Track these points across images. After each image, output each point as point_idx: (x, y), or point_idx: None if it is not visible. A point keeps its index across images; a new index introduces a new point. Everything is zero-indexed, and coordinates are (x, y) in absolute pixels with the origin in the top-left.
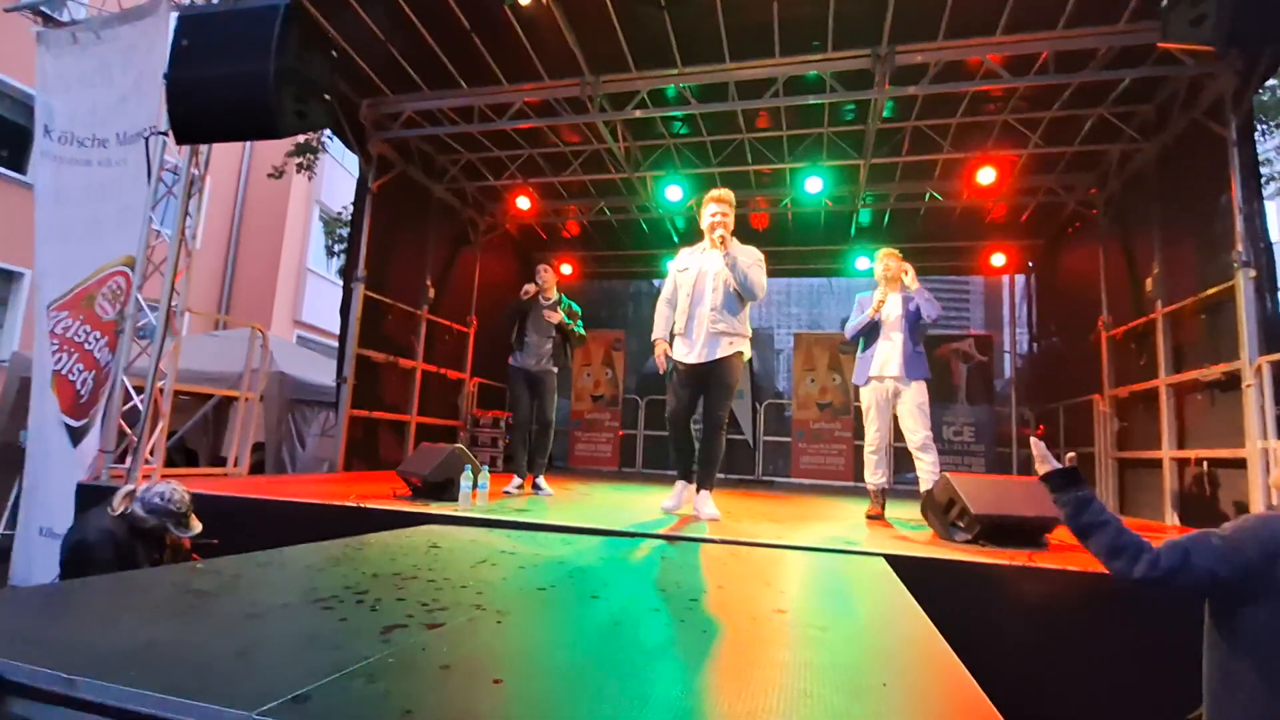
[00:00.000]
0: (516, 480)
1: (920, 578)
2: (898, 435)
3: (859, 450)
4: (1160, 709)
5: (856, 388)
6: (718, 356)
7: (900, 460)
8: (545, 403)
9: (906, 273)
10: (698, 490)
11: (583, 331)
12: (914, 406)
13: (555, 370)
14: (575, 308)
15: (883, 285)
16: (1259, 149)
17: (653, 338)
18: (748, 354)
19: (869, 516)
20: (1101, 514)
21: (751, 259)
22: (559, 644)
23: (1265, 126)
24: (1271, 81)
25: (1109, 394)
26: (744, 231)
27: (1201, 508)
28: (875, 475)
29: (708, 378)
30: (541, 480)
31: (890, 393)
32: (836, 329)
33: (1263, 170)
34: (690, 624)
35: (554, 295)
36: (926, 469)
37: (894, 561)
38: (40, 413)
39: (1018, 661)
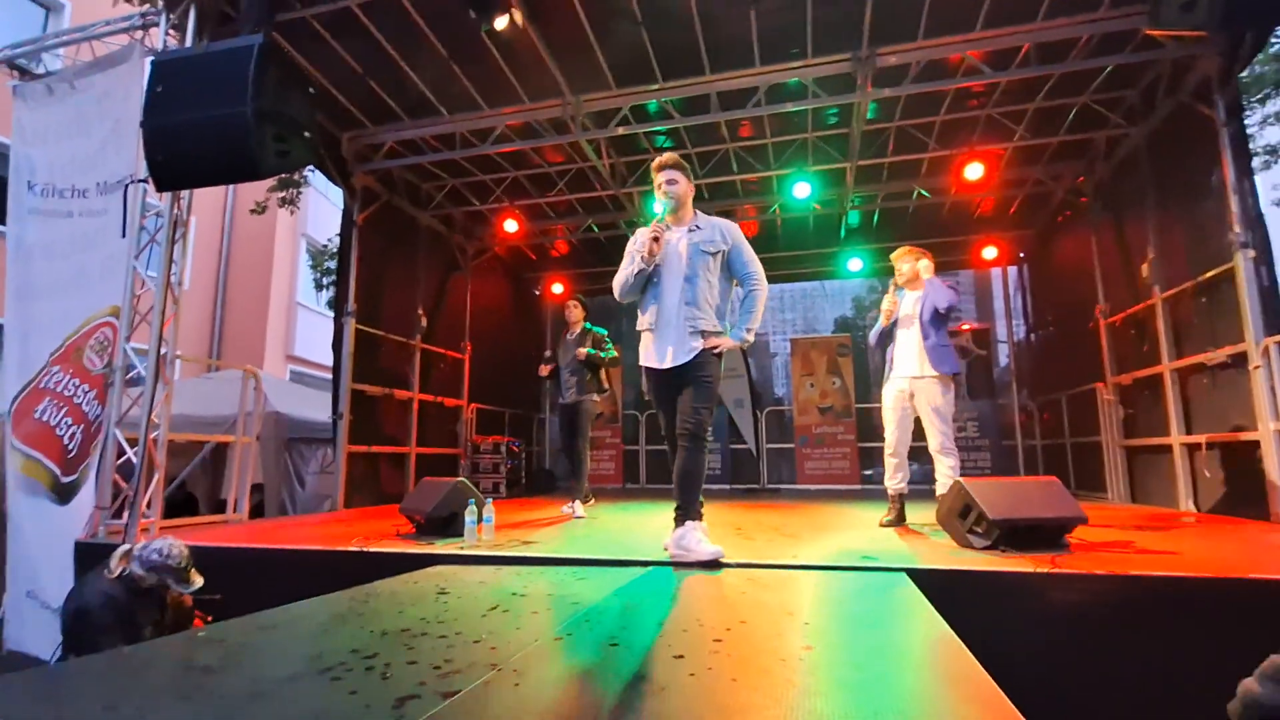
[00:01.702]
0: (571, 504)
1: (944, 591)
2: (917, 435)
3: (863, 452)
4: (1203, 710)
5: (856, 391)
6: (691, 359)
7: (911, 458)
8: (574, 432)
9: (916, 274)
10: (676, 526)
11: (613, 354)
12: (930, 409)
13: (589, 399)
14: (600, 331)
15: (893, 288)
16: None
17: (637, 269)
18: (726, 348)
19: (882, 524)
20: None
21: (730, 238)
22: (582, 709)
23: (1247, 102)
24: None
25: (1112, 381)
26: None
27: (1216, 493)
28: (893, 479)
29: (675, 380)
30: (576, 504)
31: (907, 394)
32: (832, 332)
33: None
34: (718, 672)
35: (579, 328)
36: (945, 472)
37: (916, 575)
38: (15, 475)
39: (1049, 673)
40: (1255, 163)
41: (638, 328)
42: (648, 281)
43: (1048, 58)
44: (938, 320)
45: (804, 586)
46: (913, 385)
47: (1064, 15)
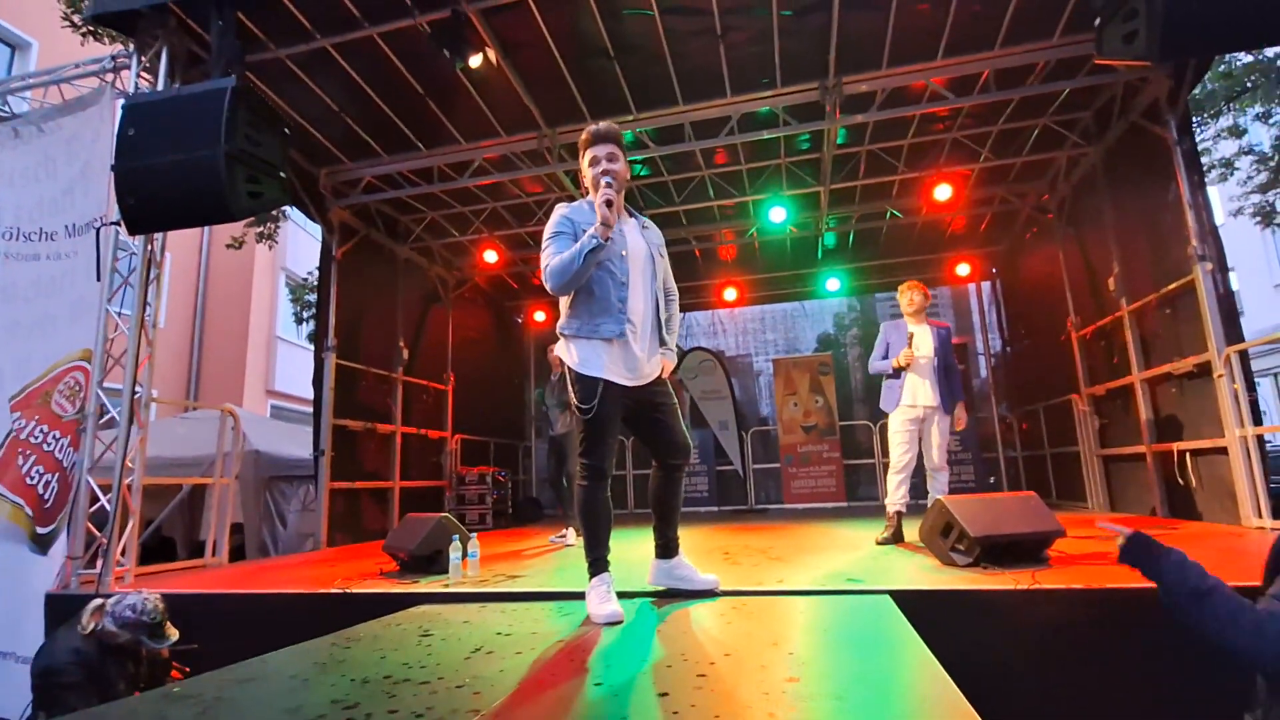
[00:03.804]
0: (563, 531)
1: (927, 612)
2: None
3: (849, 470)
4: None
5: (839, 409)
6: (660, 373)
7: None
8: (566, 461)
9: (923, 307)
10: (671, 555)
11: None
12: (941, 434)
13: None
14: None
15: (911, 343)
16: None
17: (593, 242)
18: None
19: (878, 541)
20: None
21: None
22: None
23: (1200, 119)
24: None
25: (1086, 392)
26: (713, 263)
27: (1188, 499)
28: (896, 497)
29: (654, 399)
30: (569, 531)
31: (920, 419)
32: (814, 351)
33: (1202, 160)
34: (701, 709)
35: (561, 369)
36: (940, 487)
37: (899, 597)
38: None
39: (1032, 690)
40: (1213, 175)
41: (590, 334)
42: (604, 277)
43: (1006, 83)
44: (947, 367)
45: (790, 613)
46: (926, 413)
47: (1020, 43)
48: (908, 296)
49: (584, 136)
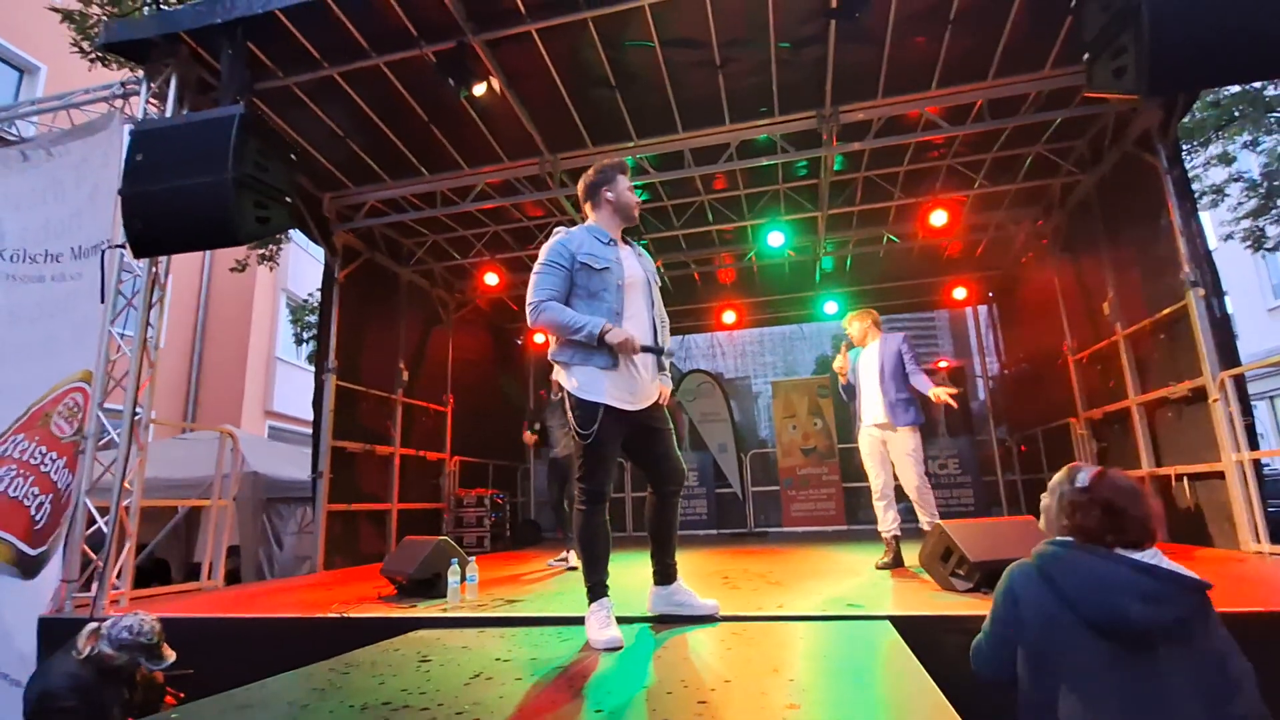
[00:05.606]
0: (563, 554)
1: (928, 637)
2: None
3: (849, 493)
4: None
5: (838, 431)
6: (658, 397)
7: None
8: (567, 483)
9: (866, 333)
10: (670, 581)
11: None
12: (902, 454)
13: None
14: None
15: (845, 348)
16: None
17: (598, 331)
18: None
19: (878, 566)
20: None
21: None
22: None
23: (1190, 146)
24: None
25: (1084, 416)
26: (713, 286)
27: (1189, 523)
28: (885, 522)
29: (650, 424)
30: (569, 553)
31: (879, 440)
32: (812, 373)
33: (1193, 186)
34: None
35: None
36: (925, 521)
37: (900, 623)
38: None
39: None
40: (1204, 201)
41: (584, 362)
42: (599, 308)
43: (1000, 112)
44: (896, 376)
45: (790, 639)
46: (883, 433)
47: (1012, 74)
48: (849, 330)
49: (619, 162)
